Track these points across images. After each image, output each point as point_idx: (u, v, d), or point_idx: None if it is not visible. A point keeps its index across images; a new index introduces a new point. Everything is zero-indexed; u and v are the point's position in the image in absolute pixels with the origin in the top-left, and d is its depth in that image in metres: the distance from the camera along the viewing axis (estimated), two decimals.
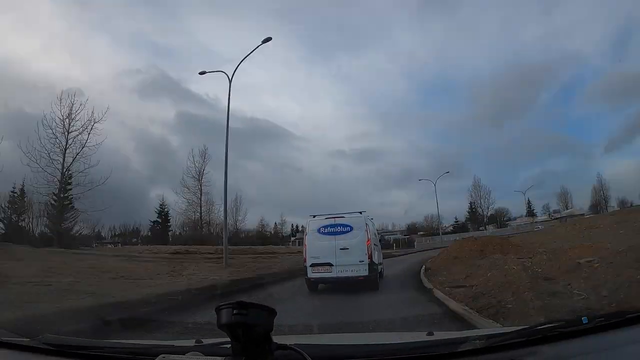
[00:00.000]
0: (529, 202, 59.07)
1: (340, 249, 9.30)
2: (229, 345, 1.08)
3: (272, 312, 1.01)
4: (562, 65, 76.73)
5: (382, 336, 2.74)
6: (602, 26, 78.99)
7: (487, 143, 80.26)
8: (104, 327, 5.02)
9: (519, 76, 68.71)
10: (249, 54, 18.14)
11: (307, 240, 9.84)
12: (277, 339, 1.08)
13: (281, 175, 68.17)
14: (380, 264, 9.90)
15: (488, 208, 59.85)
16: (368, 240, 9.45)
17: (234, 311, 0.98)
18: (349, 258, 9.19)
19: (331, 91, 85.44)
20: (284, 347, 1.08)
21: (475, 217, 60.07)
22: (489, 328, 3.62)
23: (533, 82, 72.58)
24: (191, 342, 1.52)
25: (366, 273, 9.10)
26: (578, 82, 78.68)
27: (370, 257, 9.24)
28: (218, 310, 1.02)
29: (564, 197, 58.04)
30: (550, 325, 1.39)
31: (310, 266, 9.46)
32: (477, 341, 1.30)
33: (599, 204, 54.92)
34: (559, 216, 54.47)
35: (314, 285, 9.59)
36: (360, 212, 10.17)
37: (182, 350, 1.20)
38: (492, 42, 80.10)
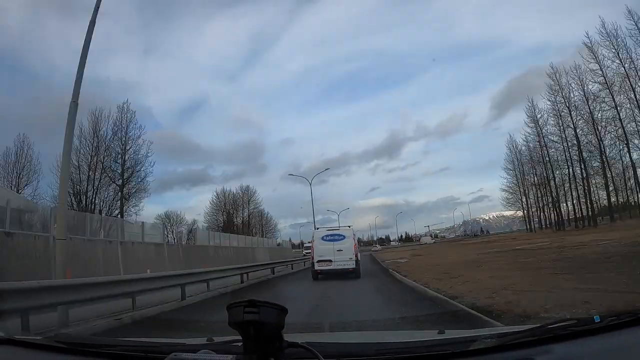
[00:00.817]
0: None
1: (337, 250, 13.75)
2: (240, 344, 1.09)
3: (283, 310, 1.02)
4: None
5: (393, 334, 2.74)
6: None
7: None
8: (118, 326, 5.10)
9: None
10: None
11: (315, 245, 14.37)
12: (287, 337, 1.08)
13: None
14: (359, 260, 14.31)
15: None
16: (355, 245, 14.11)
17: (245, 309, 0.99)
18: (342, 256, 13.62)
19: None
20: (295, 345, 1.09)
21: None
22: (501, 327, 3.59)
23: None
24: (202, 340, 1.53)
25: (354, 266, 13.51)
26: None
27: (356, 256, 13.79)
28: (229, 308, 1.03)
29: None
30: (562, 324, 1.38)
31: (317, 262, 13.86)
32: (489, 340, 1.29)
33: None
34: None
35: (317, 275, 13.83)
36: (349, 226, 15.15)
37: (194, 349, 1.21)
38: None
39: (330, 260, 13.60)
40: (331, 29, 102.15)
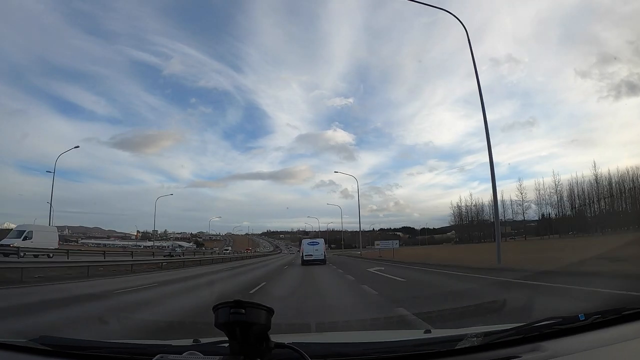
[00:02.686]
0: None
1: (314, 250, 27.07)
2: (227, 345, 1.08)
3: (269, 311, 1.01)
4: None
5: (380, 334, 2.74)
6: None
7: None
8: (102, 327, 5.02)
9: None
10: None
11: (303, 247, 28.32)
12: (274, 338, 1.07)
13: None
14: (326, 256, 28.04)
15: None
16: (325, 249, 28.59)
17: (231, 310, 0.98)
18: (317, 253, 26.60)
19: None
20: (282, 345, 1.08)
21: None
22: (487, 326, 3.63)
23: None
24: (189, 342, 1.52)
25: (323, 258, 26.50)
26: None
27: (324, 254, 27.55)
28: (215, 309, 1.02)
29: None
30: (548, 322, 1.40)
31: (304, 256, 26.76)
32: (475, 338, 1.30)
33: None
34: None
35: (304, 262, 25.62)
36: (322, 239, 31.62)
37: (180, 350, 1.19)
38: None
39: (311, 255, 26.80)
40: None
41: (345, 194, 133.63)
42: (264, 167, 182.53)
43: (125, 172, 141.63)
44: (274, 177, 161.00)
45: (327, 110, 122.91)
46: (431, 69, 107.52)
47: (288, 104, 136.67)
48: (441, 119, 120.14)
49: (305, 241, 29.40)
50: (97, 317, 5.59)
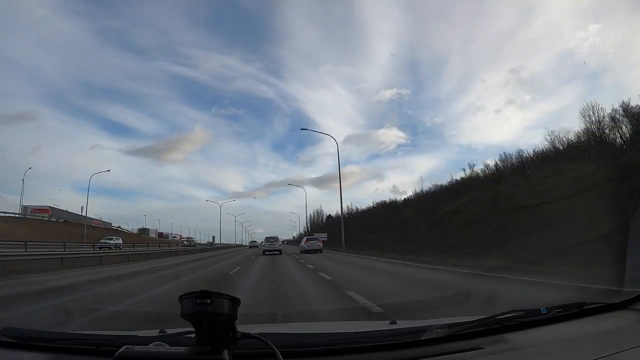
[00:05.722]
0: None
1: (273, 243, 31.46)
2: (193, 335, 1.06)
3: (236, 301, 0.99)
4: None
5: (346, 325, 2.78)
6: None
7: None
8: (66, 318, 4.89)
9: None
10: None
11: (265, 241, 33.57)
12: (241, 328, 1.06)
13: None
14: (282, 249, 32.43)
15: None
16: (280, 243, 35.14)
17: (197, 300, 0.96)
18: (274, 246, 30.59)
19: None
20: (248, 336, 1.07)
21: None
22: (451, 317, 3.75)
23: None
24: (155, 332, 1.49)
25: (280, 249, 30.84)
26: None
27: (280, 247, 32.91)
28: (181, 299, 0.99)
29: None
30: (510, 314, 1.44)
31: (264, 249, 31.00)
32: (439, 330, 1.32)
33: None
34: None
35: (264, 253, 29.15)
36: (277, 236, 38.11)
37: (146, 341, 1.16)
38: None
39: (270, 248, 30.36)
40: None
41: (395, 190, 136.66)
42: (311, 174, 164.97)
43: (176, 188, 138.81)
44: (318, 184, 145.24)
45: (374, 108, 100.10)
46: (484, 53, 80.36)
47: (333, 107, 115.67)
48: (497, 111, 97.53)
49: (266, 237, 37.58)
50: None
